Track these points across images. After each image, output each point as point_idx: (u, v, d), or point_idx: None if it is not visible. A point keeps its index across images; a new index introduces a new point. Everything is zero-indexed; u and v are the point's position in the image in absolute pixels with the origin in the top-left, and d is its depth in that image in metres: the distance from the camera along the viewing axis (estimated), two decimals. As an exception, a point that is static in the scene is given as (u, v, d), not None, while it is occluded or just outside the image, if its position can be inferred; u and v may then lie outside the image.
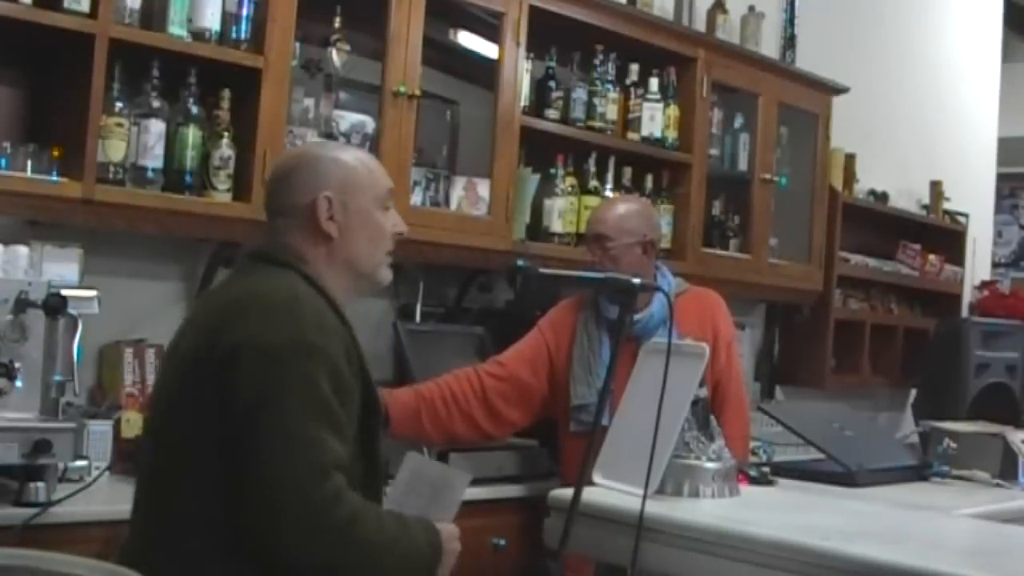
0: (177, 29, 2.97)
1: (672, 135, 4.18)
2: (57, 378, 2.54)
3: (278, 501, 1.81)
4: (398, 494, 2.18)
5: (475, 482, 2.28)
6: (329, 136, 3.31)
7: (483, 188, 3.61)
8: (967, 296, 6.31)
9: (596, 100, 3.97)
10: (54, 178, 2.79)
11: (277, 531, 1.82)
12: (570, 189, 3.89)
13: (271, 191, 2.14)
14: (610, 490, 2.39)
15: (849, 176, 5.35)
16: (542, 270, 2.79)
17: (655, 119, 4.11)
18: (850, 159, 5.35)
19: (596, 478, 2.44)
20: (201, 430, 1.89)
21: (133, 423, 3.07)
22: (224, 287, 2.10)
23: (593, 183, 3.97)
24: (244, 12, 3.09)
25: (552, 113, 3.87)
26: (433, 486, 2.17)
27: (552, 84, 3.87)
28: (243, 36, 3.09)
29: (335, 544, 1.84)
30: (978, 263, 6.47)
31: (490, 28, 3.72)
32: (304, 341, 1.88)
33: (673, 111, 4.17)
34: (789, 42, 5.16)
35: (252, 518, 1.84)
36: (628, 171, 4.06)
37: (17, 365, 2.50)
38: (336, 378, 1.90)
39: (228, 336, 1.89)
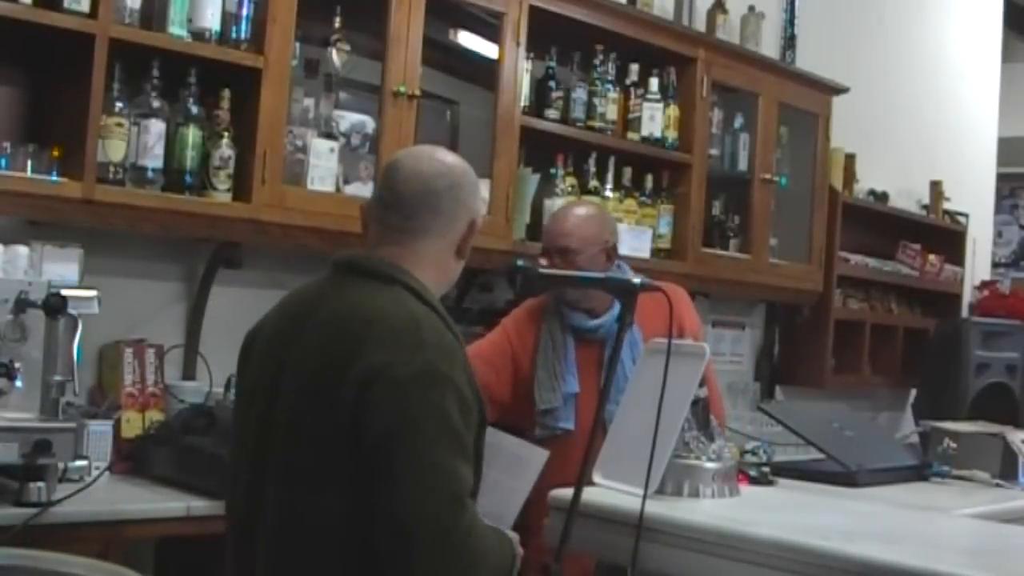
0: (177, 29, 2.97)
1: (672, 135, 4.18)
2: (57, 378, 2.54)
3: (416, 531, 1.82)
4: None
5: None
6: (329, 136, 3.31)
7: (483, 188, 3.60)
8: (967, 296, 6.32)
9: (596, 100, 3.97)
10: (54, 178, 2.79)
11: (413, 559, 1.83)
12: (570, 189, 3.89)
13: (418, 200, 2.05)
14: (610, 490, 2.39)
15: (849, 176, 5.36)
16: (542, 270, 2.79)
17: (655, 119, 4.11)
18: (850, 159, 5.35)
19: (596, 478, 2.44)
20: (333, 461, 1.88)
21: (133, 423, 3.08)
22: (328, 301, 2.00)
23: (593, 183, 3.98)
24: (244, 12, 3.10)
25: (552, 113, 3.87)
26: (510, 458, 2.24)
27: (552, 84, 3.87)
28: (243, 36, 3.09)
29: (463, 572, 1.86)
30: (978, 263, 6.47)
31: (490, 28, 3.73)
32: (432, 370, 1.88)
33: (673, 111, 4.17)
34: (789, 42, 5.16)
35: (386, 546, 1.85)
36: (628, 171, 4.06)
37: (17, 365, 2.50)
38: (462, 402, 1.91)
39: (355, 365, 1.87)
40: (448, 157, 2.13)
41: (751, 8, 4.86)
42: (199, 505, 2.69)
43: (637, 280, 2.37)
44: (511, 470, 2.23)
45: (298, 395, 1.95)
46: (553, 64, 3.90)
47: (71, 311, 2.53)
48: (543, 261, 3.07)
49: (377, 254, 2.05)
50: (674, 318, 3.02)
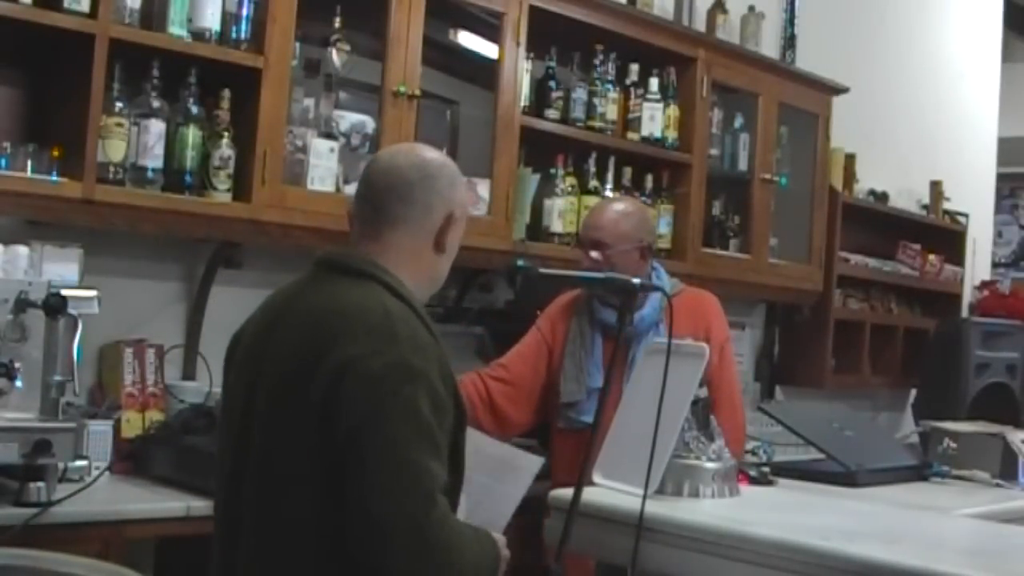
0: (177, 29, 2.97)
1: (672, 135, 4.18)
2: (57, 378, 2.54)
3: (387, 526, 1.82)
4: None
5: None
6: (329, 136, 3.31)
7: (483, 188, 3.61)
8: (967, 296, 6.32)
9: (596, 100, 3.97)
10: (54, 178, 2.79)
11: (385, 555, 1.83)
12: (570, 189, 3.89)
13: (389, 190, 2.04)
14: (610, 490, 2.39)
15: (849, 176, 5.36)
16: (542, 270, 2.79)
17: (655, 119, 4.11)
18: (850, 159, 5.35)
19: (596, 478, 2.44)
20: (306, 455, 1.88)
21: (133, 423, 3.08)
22: (303, 298, 2.02)
23: (593, 183, 3.97)
24: (244, 12, 3.10)
25: (552, 113, 3.87)
26: (499, 463, 2.19)
27: (552, 84, 3.87)
28: (243, 36, 3.09)
29: (438, 567, 1.86)
30: (978, 263, 6.47)
31: (490, 28, 3.73)
32: (405, 364, 1.86)
33: (673, 111, 4.17)
34: (789, 42, 5.16)
35: (358, 541, 1.85)
36: (628, 171, 4.06)
37: (17, 365, 2.50)
38: (434, 399, 1.89)
39: (327, 358, 1.87)
40: (427, 152, 2.12)
41: (751, 8, 4.86)
42: (199, 505, 2.69)
43: (636, 281, 2.37)
44: (504, 476, 2.19)
45: (273, 390, 1.95)
46: (553, 64, 3.90)
47: (71, 311, 2.53)
48: (580, 252, 3.10)
49: (355, 251, 2.05)
50: (702, 324, 3.06)
